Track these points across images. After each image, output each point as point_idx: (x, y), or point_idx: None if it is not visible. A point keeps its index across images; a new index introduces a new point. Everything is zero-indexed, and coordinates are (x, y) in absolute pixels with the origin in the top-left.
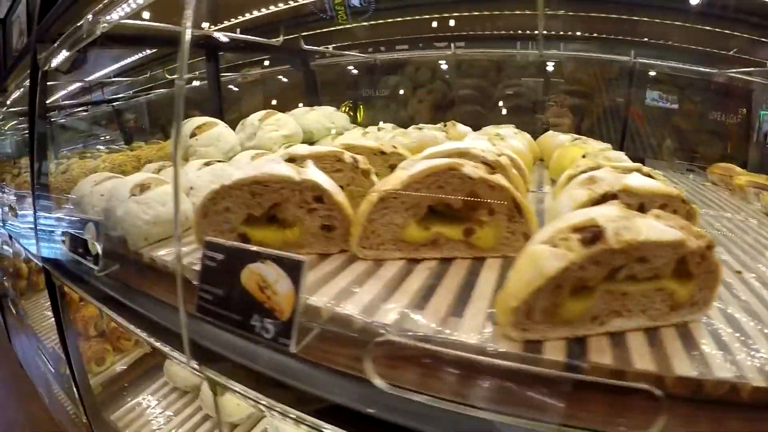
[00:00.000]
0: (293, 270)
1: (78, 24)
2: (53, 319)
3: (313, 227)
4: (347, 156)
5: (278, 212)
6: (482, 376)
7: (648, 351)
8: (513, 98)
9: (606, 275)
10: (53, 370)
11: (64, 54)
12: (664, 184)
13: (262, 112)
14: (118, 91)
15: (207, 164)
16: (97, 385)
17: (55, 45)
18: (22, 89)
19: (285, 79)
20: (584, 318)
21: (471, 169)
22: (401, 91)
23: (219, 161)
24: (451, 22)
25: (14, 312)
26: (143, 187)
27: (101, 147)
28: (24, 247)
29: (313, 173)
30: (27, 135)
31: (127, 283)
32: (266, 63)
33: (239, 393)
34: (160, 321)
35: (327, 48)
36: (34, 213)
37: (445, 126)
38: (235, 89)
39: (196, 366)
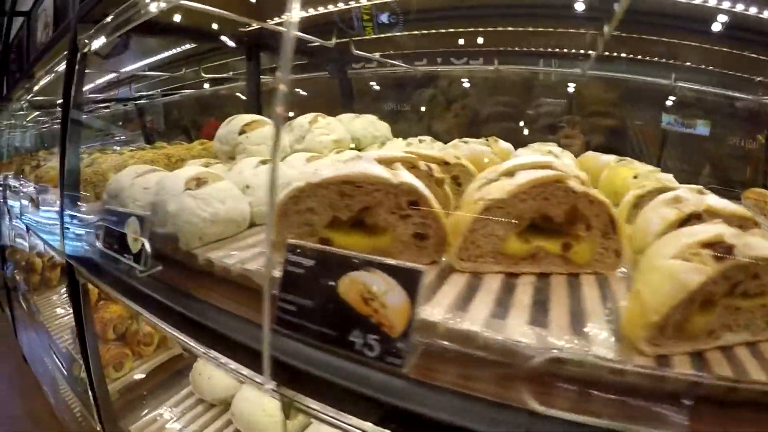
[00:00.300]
0: (409, 281)
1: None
2: (67, 317)
3: (405, 235)
4: (422, 164)
5: (366, 217)
6: (635, 394)
7: (756, 364)
8: (548, 117)
9: (727, 290)
10: (66, 372)
11: (107, 36)
12: None
13: (311, 115)
14: (144, 89)
15: (263, 162)
16: (114, 392)
17: (104, 23)
18: (50, 76)
19: (313, 86)
20: (704, 332)
21: (575, 182)
22: (423, 107)
23: None
24: (490, 39)
25: (25, 307)
26: (200, 182)
27: (117, 147)
28: (45, 241)
29: (409, 177)
30: (45, 129)
31: (175, 285)
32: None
33: (328, 417)
34: (222, 331)
35: (374, 55)
36: (61, 206)
37: (487, 141)
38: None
39: (272, 387)
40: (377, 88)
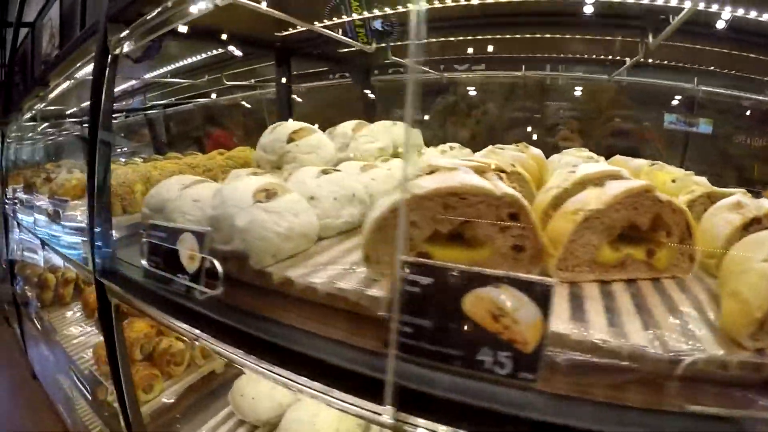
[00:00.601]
0: (541, 295)
1: None
2: (84, 337)
3: (504, 247)
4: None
5: (465, 230)
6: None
7: None
8: (569, 122)
9: None
10: (89, 395)
11: (142, 38)
12: None
13: (353, 122)
14: (157, 98)
15: (324, 172)
16: (144, 416)
17: (140, 21)
18: (66, 84)
19: (326, 94)
20: None
21: (659, 192)
22: (444, 113)
23: (336, 170)
24: (510, 46)
25: (38, 324)
26: (269, 193)
27: (122, 159)
28: (67, 258)
29: (509, 188)
30: (50, 141)
31: (245, 307)
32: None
33: None
34: (322, 357)
35: (406, 61)
36: (91, 222)
37: (518, 147)
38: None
39: (390, 416)
40: (395, 95)
